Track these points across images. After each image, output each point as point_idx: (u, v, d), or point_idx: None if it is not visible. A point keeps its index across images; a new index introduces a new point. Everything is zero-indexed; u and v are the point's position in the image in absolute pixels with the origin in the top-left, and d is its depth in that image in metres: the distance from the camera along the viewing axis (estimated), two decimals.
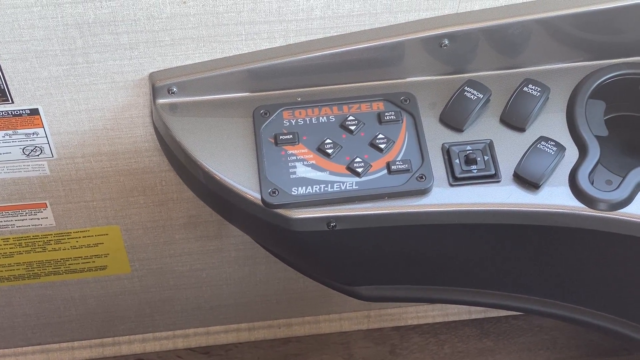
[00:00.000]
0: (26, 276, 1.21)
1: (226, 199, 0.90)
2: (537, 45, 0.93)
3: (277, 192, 0.86)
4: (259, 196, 0.87)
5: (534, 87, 0.91)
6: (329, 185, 0.87)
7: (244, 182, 0.88)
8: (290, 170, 0.88)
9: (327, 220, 0.87)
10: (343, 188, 0.87)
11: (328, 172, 0.88)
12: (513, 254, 0.96)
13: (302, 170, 0.88)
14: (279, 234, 0.90)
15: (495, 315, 1.47)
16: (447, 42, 0.91)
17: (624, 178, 0.87)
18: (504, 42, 0.92)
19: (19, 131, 0.98)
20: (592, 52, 0.95)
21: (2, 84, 0.92)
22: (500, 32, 0.91)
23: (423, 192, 0.87)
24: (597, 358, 1.43)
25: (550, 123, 0.91)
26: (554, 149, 0.88)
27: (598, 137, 0.89)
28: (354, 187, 0.87)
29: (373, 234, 0.89)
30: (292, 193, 0.86)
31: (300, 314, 1.42)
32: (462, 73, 0.95)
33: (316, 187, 0.87)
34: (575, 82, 0.94)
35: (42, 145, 1.00)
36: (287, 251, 1.01)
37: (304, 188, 0.87)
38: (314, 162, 0.88)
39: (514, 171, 0.87)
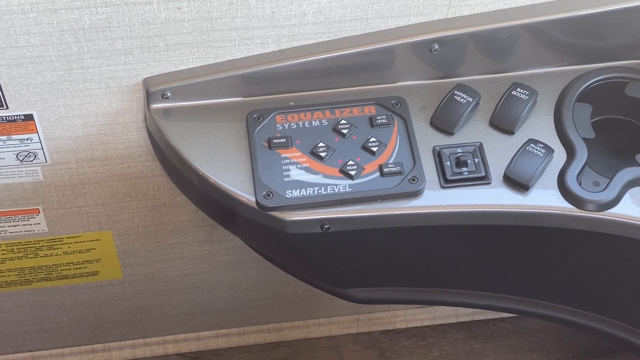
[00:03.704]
0: (18, 282, 1.22)
1: (220, 202, 0.91)
2: (524, 49, 0.95)
3: (271, 195, 0.87)
4: (253, 199, 0.88)
5: (522, 91, 0.93)
6: (323, 187, 0.88)
7: (238, 185, 0.89)
8: (284, 173, 0.89)
9: (321, 222, 0.88)
10: (336, 190, 0.88)
11: (321, 175, 0.89)
12: (503, 255, 0.97)
13: (295, 173, 0.89)
14: (273, 237, 0.91)
15: (482, 318, 1.48)
16: (437, 46, 0.93)
17: (611, 179, 0.89)
18: (493, 46, 0.94)
19: (13, 137, 0.98)
20: (578, 56, 0.97)
21: None
22: (489, 37, 0.93)
23: (415, 194, 0.88)
24: (583, 359, 1.45)
25: (539, 126, 0.93)
26: (543, 151, 0.89)
27: (585, 140, 0.91)
28: (347, 189, 0.88)
29: (366, 236, 0.90)
30: (287, 195, 0.87)
31: (290, 319, 1.43)
32: (452, 77, 0.96)
33: (310, 190, 0.88)
34: (562, 85, 0.95)
35: (36, 151, 1.00)
36: (280, 254, 1.02)
37: (297, 191, 0.88)
38: (307, 165, 0.90)
39: (504, 173, 0.89)
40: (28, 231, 1.13)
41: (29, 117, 0.96)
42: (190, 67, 0.93)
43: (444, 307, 1.47)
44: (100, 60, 0.91)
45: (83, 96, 0.95)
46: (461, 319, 1.48)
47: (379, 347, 1.46)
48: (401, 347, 1.46)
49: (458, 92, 0.93)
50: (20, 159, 1.01)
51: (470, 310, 1.48)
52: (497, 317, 1.48)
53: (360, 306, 1.43)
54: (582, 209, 0.88)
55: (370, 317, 1.46)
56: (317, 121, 0.93)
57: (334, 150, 0.90)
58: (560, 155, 0.91)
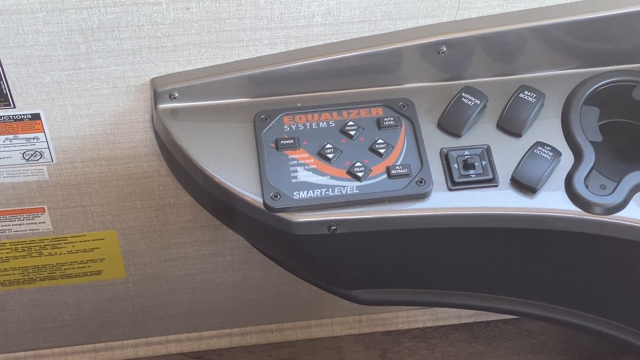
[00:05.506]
0: (21, 281, 1.21)
1: (227, 203, 0.91)
2: (532, 52, 0.95)
3: (279, 196, 0.87)
4: (261, 200, 0.88)
5: (529, 94, 0.93)
6: (330, 189, 0.88)
7: (245, 186, 0.89)
8: (292, 174, 0.89)
9: (328, 223, 0.88)
10: (344, 192, 0.88)
11: (329, 176, 0.89)
12: (509, 258, 0.97)
13: (303, 175, 0.89)
14: (280, 238, 0.91)
15: (484, 320, 1.49)
16: (444, 49, 0.93)
17: (618, 183, 0.89)
18: (501, 49, 0.94)
19: (20, 136, 0.98)
20: (586, 59, 0.97)
21: (5, 88, 0.92)
22: (497, 40, 0.93)
23: (422, 197, 0.88)
24: None
25: (546, 129, 0.93)
26: (550, 154, 0.90)
27: (592, 143, 0.91)
28: (354, 191, 0.88)
29: (373, 237, 0.90)
30: (294, 197, 0.87)
31: (293, 319, 1.43)
32: (459, 79, 0.96)
33: (317, 191, 0.88)
34: (569, 88, 0.95)
35: (42, 150, 1.00)
36: (287, 255, 1.02)
37: (305, 192, 0.88)
38: (314, 166, 0.90)
39: (512, 176, 0.89)
40: (32, 230, 1.13)
41: (35, 117, 0.96)
42: (198, 67, 0.93)
43: (446, 308, 1.47)
44: (108, 60, 0.91)
45: (90, 96, 0.95)
46: (463, 321, 1.48)
47: (381, 348, 1.46)
48: (403, 348, 1.46)
49: (465, 95, 0.93)
50: (27, 158, 1.01)
51: (472, 311, 1.48)
52: (499, 318, 1.49)
53: (363, 307, 1.42)
54: (589, 212, 0.88)
55: (372, 318, 1.46)
56: (325, 122, 0.93)
57: (342, 152, 0.90)
58: (567, 158, 0.91)
